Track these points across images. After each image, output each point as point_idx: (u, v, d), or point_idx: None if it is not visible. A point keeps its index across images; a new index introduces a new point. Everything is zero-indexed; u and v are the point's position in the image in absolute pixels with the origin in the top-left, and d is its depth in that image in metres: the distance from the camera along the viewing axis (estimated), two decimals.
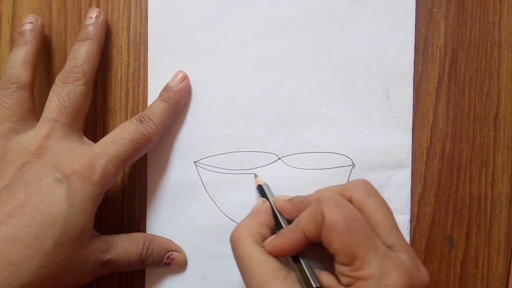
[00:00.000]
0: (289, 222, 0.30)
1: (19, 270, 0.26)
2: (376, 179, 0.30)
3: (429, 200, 0.35)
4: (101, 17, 0.34)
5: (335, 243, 0.25)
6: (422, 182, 0.35)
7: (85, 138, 0.33)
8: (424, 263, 0.34)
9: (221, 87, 0.35)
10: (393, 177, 0.34)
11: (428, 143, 0.35)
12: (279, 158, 0.34)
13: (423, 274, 0.26)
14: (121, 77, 0.35)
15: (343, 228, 0.25)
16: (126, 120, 0.34)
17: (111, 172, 0.29)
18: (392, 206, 0.28)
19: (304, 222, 0.26)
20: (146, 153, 0.34)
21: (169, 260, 0.33)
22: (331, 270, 0.27)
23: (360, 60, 0.34)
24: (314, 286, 0.25)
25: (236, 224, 0.34)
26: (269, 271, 0.26)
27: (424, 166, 0.35)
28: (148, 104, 0.34)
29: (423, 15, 0.35)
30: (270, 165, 0.34)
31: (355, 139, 0.34)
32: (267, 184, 0.33)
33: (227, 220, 0.34)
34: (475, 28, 0.35)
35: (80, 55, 0.32)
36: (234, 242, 0.28)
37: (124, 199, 0.35)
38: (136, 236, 0.32)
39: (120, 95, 0.35)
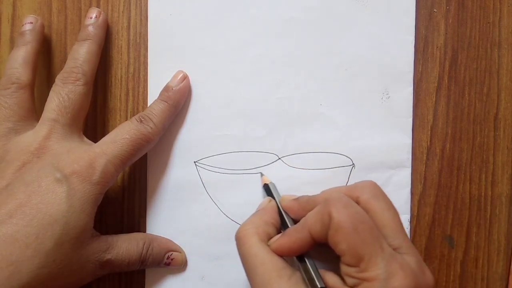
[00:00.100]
0: (295, 221, 0.30)
1: (19, 270, 0.26)
2: (376, 179, 0.30)
3: (429, 200, 0.35)
4: (101, 17, 0.34)
5: (341, 244, 0.25)
6: (422, 182, 0.35)
7: (85, 138, 0.33)
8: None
9: (221, 87, 0.35)
10: (393, 177, 0.34)
11: (428, 143, 0.35)
12: (279, 158, 0.34)
13: (428, 277, 0.26)
14: (121, 77, 0.35)
15: (350, 229, 0.25)
16: (126, 120, 0.34)
17: (111, 172, 0.29)
18: None
19: (311, 222, 0.26)
20: (146, 153, 0.34)
21: (169, 260, 0.33)
22: (336, 271, 0.27)
23: (360, 60, 0.34)
24: (319, 286, 0.25)
25: (236, 224, 0.34)
26: (274, 269, 0.26)
27: (424, 166, 0.35)
28: (148, 104, 0.34)
29: (423, 15, 0.35)
30: (270, 165, 0.34)
31: (355, 139, 0.34)
32: (273, 183, 0.33)
33: (227, 220, 0.34)
34: (475, 28, 0.35)
35: (80, 55, 0.32)
36: (239, 240, 0.28)
37: (124, 199, 0.35)
38: (136, 236, 0.32)
39: (120, 95, 0.35)
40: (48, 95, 0.32)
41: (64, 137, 0.31)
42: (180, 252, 0.34)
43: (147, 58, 0.35)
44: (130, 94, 0.35)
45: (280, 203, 0.31)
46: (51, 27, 0.36)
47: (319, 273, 0.26)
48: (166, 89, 0.33)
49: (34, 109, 0.32)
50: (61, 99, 0.31)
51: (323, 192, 0.29)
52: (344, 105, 0.34)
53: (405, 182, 0.34)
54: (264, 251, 0.27)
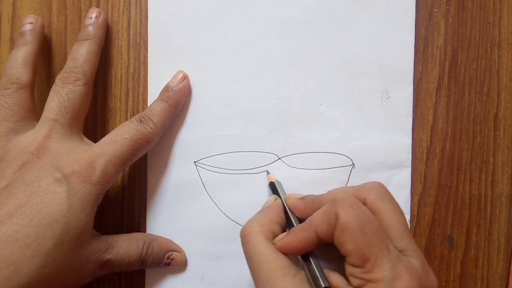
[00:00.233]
0: (300, 220, 0.30)
1: (19, 270, 0.26)
2: (376, 179, 0.30)
3: (429, 200, 0.35)
4: (101, 17, 0.34)
5: (347, 244, 0.25)
6: (422, 182, 0.35)
7: (85, 138, 0.33)
8: None
9: (221, 87, 0.35)
10: (393, 177, 0.34)
11: (428, 143, 0.35)
12: (279, 158, 0.34)
13: (433, 280, 0.26)
14: (121, 77, 0.35)
15: (357, 230, 0.25)
16: (126, 120, 0.34)
17: (111, 172, 0.29)
18: None
19: (317, 222, 0.26)
20: (146, 153, 0.34)
21: (169, 260, 0.33)
22: (339, 271, 0.27)
23: (360, 60, 0.34)
24: (323, 285, 0.25)
25: (236, 224, 0.34)
26: (279, 268, 0.26)
27: (424, 166, 0.35)
28: (148, 104, 0.34)
29: (423, 15, 0.35)
30: (270, 165, 0.34)
31: (355, 139, 0.34)
32: (279, 182, 0.33)
33: (227, 220, 0.34)
34: (475, 28, 0.35)
35: (80, 55, 0.32)
36: (244, 237, 0.28)
37: (124, 199, 0.35)
38: (136, 236, 0.32)
39: (120, 95, 0.35)
40: (48, 95, 0.32)
41: (64, 137, 0.31)
42: (180, 252, 0.34)
43: (147, 58, 0.35)
44: (130, 94, 0.35)
45: (285, 201, 0.31)
46: (51, 27, 0.36)
47: (323, 273, 0.26)
48: (166, 89, 0.33)
49: (34, 109, 0.32)
50: (61, 99, 0.31)
51: (329, 192, 0.29)
52: (344, 105, 0.34)
53: (405, 182, 0.34)
54: (269, 249, 0.27)
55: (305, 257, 0.27)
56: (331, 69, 0.34)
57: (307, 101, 0.34)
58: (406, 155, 0.34)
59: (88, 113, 0.34)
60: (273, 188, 0.33)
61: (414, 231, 0.34)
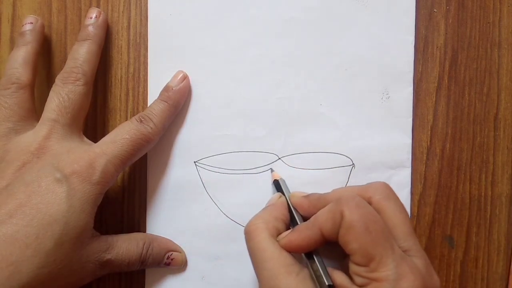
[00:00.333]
0: (304, 219, 0.30)
1: (19, 270, 0.26)
2: (376, 179, 0.30)
3: (429, 200, 0.35)
4: (101, 17, 0.34)
5: (352, 243, 0.25)
6: (422, 182, 0.35)
7: (85, 138, 0.33)
8: None
9: (221, 87, 0.35)
10: (393, 177, 0.34)
11: (428, 143, 0.35)
12: (279, 158, 0.34)
13: (436, 280, 0.26)
14: (121, 77, 0.35)
15: (362, 229, 0.25)
16: (126, 120, 0.34)
17: (111, 172, 0.29)
18: None
19: (322, 220, 0.26)
20: (146, 153, 0.34)
21: (169, 260, 0.33)
22: (342, 270, 0.27)
23: (360, 60, 0.34)
24: (327, 283, 0.25)
25: (236, 224, 0.34)
26: (282, 265, 0.26)
27: (424, 166, 0.35)
28: (148, 104, 0.34)
29: (423, 15, 0.35)
30: (270, 165, 0.34)
31: (355, 139, 0.34)
32: (283, 179, 0.33)
33: (227, 220, 0.34)
34: (475, 28, 0.35)
35: (80, 55, 0.32)
36: (248, 234, 0.28)
37: (124, 199, 0.35)
38: (136, 236, 0.32)
39: (120, 95, 0.35)
40: (48, 95, 0.32)
41: (64, 137, 0.31)
42: (180, 252, 0.34)
43: (147, 58, 0.35)
44: (130, 94, 0.35)
45: (290, 199, 0.31)
46: (51, 27, 0.36)
47: (327, 271, 0.26)
48: (166, 89, 0.33)
49: (34, 109, 0.32)
50: (61, 99, 0.31)
51: (334, 190, 0.29)
52: (344, 105, 0.34)
53: (405, 182, 0.34)
54: (273, 247, 0.27)
55: (309, 255, 0.27)
56: (331, 69, 0.34)
57: (307, 101, 0.34)
58: (406, 155, 0.34)
59: (88, 113, 0.34)
60: (277, 185, 0.33)
61: (414, 231, 0.34)
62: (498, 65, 0.35)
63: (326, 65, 0.34)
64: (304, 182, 0.34)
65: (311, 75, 0.34)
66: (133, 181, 0.35)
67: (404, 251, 0.26)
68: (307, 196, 0.30)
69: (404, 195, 0.34)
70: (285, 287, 0.25)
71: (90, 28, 0.33)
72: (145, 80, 0.35)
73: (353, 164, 0.34)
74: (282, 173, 0.34)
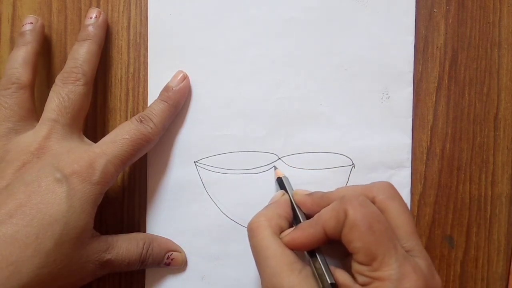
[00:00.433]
0: (307, 216, 0.30)
1: (19, 270, 0.26)
2: (376, 179, 0.30)
3: (429, 200, 0.35)
4: (101, 17, 0.34)
5: (355, 242, 0.25)
6: (422, 182, 0.35)
7: (85, 138, 0.33)
8: None
9: (221, 87, 0.35)
10: (393, 177, 0.34)
11: (428, 143, 0.35)
12: (279, 158, 0.34)
13: (438, 281, 0.26)
14: (121, 77, 0.35)
15: (365, 228, 0.25)
16: (126, 120, 0.34)
17: (111, 172, 0.29)
18: None
19: (325, 218, 0.26)
20: (146, 153, 0.34)
21: (169, 260, 0.33)
22: (344, 268, 0.27)
23: (360, 60, 0.34)
24: (329, 281, 0.25)
25: (236, 224, 0.34)
26: (285, 263, 0.26)
27: (424, 166, 0.35)
28: (148, 104, 0.34)
29: (423, 15, 0.35)
30: (270, 165, 0.34)
31: (355, 139, 0.34)
32: (286, 177, 0.33)
33: (227, 220, 0.34)
34: (475, 28, 0.35)
35: (80, 55, 0.32)
36: (252, 231, 0.28)
37: (124, 199, 0.35)
38: (136, 236, 0.32)
39: (120, 95, 0.35)
40: (48, 95, 0.32)
41: (64, 137, 0.31)
42: (180, 252, 0.34)
43: (147, 58, 0.35)
44: (130, 94, 0.35)
45: (293, 197, 0.31)
46: (51, 27, 0.36)
47: (329, 269, 0.26)
48: (166, 89, 0.33)
49: (34, 109, 0.32)
50: (61, 99, 0.31)
51: (337, 189, 0.29)
52: (344, 105, 0.34)
53: (405, 182, 0.34)
54: (276, 244, 0.27)
55: (312, 253, 0.27)
56: (331, 69, 0.34)
57: (307, 101, 0.34)
58: (406, 155, 0.34)
59: (88, 113, 0.34)
60: (281, 183, 0.33)
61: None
62: (498, 65, 0.35)
63: (326, 65, 0.34)
64: (304, 182, 0.34)
65: (311, 75, 0.34)
66: (133, 181, 0.35)
67: (407, 251, 0.26)
68: (311, 194, 0.30)
69: (404, 195, 0.34)
70: (288, 284, 0.25)
71: (90, 28, 0.33)
72: (145, 80, 0.35)
73: (353, 164, 0.34)
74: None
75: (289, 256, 0.27)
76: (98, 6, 0.35)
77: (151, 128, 0.31)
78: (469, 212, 0.34)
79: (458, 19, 0.35)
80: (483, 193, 0.34)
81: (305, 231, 0.27)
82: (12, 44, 0.36)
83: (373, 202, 0.27)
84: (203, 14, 0.35)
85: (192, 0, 0.35)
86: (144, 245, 0.32)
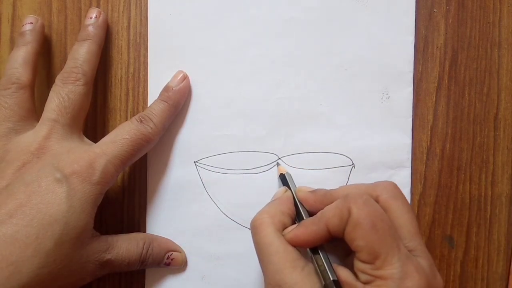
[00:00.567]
0: (310, 213, 0.30)
1: (19, 270, 0.26)
2: (376, 179, 0.30)
3: (429, 200, 0.35)
4: (101, 17, 0.34)
5: (358, 240, 0.25)
6: (422, 182, 0.35)
7: (85, 138, 0.33)
8: None
9: (221, 87, 0.35)
10: (393, 177, 0.34)
11: (428, 143, 0.35)
12: (279, 158, 0.34)
13: (439, 281, 0.26)
14: (121, 77, 0.35)
15: (369, 226, 0.25)
16: (126, 120, 0.34)
17: (111, 172, 0.29)
18: None
19: (329, 216, 0.26)
20: (146, 153, 0.34)
21: (169, 260, 0.33)
22: (347, 266, 0.27)
23: (360, 60, 0.34)
24: (332, 279, 0.25)
25: (236, 224, 0.34)
26: (288, 260, 0.26)
27: (424, 166, 0.35)
28: (148, 104, 0.34)
29: (423, 15, 0.35)
30: (270, 165, 0.34)
31: (355, 139, 0.34)
32: (289, 173, 0.33)
33: (227, 220, 0.34)
34: (475, 28, 0.35)
35: (80, 55, 0.32)
36: (255, 228, 0.28)
37: (124, 199, 0.35)
38: (136, 236, 0.32)
39: (120, 95, 0.35)
40: (48, 95, 0.32)
41: (64, 137, 0.31)
42: (180, 252, 0.34)
43: (147, 58, 0.35)
44: (130, 94, 0.35)
45: (296, 194, 0.31)
46: (51, 27, 0.36)
47: (332, 266, 0.26)
48: (166, 89, 0.33)
49: (34, 109, 0.32)
50: (61, 99, 0.31)
51: (341, 187, 0.29)
52: (344, 105, 0.34)
53: (405, 182, 0.34)
54: (279, 241, 0.27)
55: (314, 250, 0.27)
56: (331, 69, 0.34)
57: (307, 101, 0.34)
58: (406, 155, 0.34)
59: (88, 113, 0.34)
60: (283, 179, 0.33)
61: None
62: (498, 65, 0.35)
63: (326, 65, 0.34)
64: (304, 182, 0.34)
65: (311, 75, 0.34)
66: (133, 181, 0.35)
67: (409, 251, 0.26)
68: (314, 191, 0.30)
69: (404, 195, 0.34)
70: (290, 281, 0.25)
71: (90, 28, 0.33)
72: (145, 80, 0.35)
73: (353, 164, 0.34)
74: None
75: (292, 253, 0.27)
76: (98, 6, 0.35)
77: (151, 128, 0.31)
78: (469, 212, 0.34)
79: (458, 19, 0.35)
80: (483, 193, 0.34)
81: (308, 228, 0.27)
82: (12, 44, 0.36)
83: (377, 201, 0.27)
84: (203, 14, 0.35)
85: (192, 0, 0.35)
86: (144, 245, 0.32)
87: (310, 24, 0.34)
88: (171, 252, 0.33)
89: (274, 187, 0.34)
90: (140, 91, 0.35)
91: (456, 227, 0.35)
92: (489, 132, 0.35)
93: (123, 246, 0.31)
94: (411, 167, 0.34)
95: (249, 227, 0.33)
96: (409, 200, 0.34)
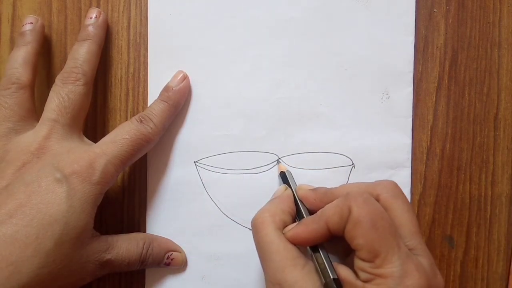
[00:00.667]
0: (310, 211, 0.30)
1: (19, 270, 0.26)
2: (376, 179, 0.30)
3: (429, 200, 0.35)
4: (101, 17, 0.34)
5: (358, 238, 0.25)
6: (422, 182, 0.35)
7: (85, 138, 0.33)
8: None
9: (221, 87, 0.35)
10: (393, 177, 0.34)
11: (428, 143, 0.35)
12: (279, 158, 0.34)
13: (440, 280, 0.26)
14: (121, 77, 0.35)
15: (369, 225, 0.25)
16: (126, 120, 0.34)
17: (111, 172, 0.29)
18: None
19: (329, 214, 0.26)
20: (146, 153, 0.34)
21: (169, 260, 0.33)
22: (347, 265, 0.27)
23: (360, 60, 0.34)
24: (332, 277, 0.25)
25: (236, 224, 0.34)
26: (289, 258, 0.26)
27: (424, 166, 0.35)
28: (148, 104, 0.34)
29: (423, 15, 0.35)
30: (270, 165, 0.34)
31: (355, 139, 0.34)
32: (289, 171, 0.33)
33: (227, 220, 0.34)
34: (475, 28, 0.35)
35: (80, 55, 0.32)
36: (256, 227, 0.28)
37: (124, 199, 0.35)
38: (136, 236, 0.32)
39: (120, 95, 0.35)
40: (48, 95, 0.32)
41: (64, 137, 0.31)
42: (180, 252, 0.34)
43: (147, 58, 0.35)
44: (130, 94, 0.35)
45: (296, 192, 0.31)
46: (51, 27, 0.36)
47: (332, 265, 0.26)
48: (166, 89, 0.33)
49: (34, 109, 0.32)
50: (61, 99, 0.31)
51: (342, 186, 0.29)
52: (344, 105, 0.34)
53: (405, 182, 0.34)
54: (279, 240, 0.27)
55: (315, 248, 0.27)
56: (331, 69, 0.34)
57: (307, 101, 0.34)
58: (406, 155, 0.34)
59: (88, 113, 0.34)
60: (284, 177, 0.33)
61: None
62: (498, 65, 0.35)
63: (326, 65, 0.34)
64: (304, 182, 0.34)
65: (311, 75, 0.34)
66: (133, 181, 0.35)
67: (410, 250, 0.26)
68: (314, 190, 0.30)
69: (405, 194, 0.34)
70: (291, 279, 0.25)
71: (90, 28, 0.33)
72: (145, 80, 0.35)
73: (353, 164, 0.34)
74: None
75: (292, 251, 0.27)
76: (98, 6, 0.35)
77: (151, 128, 0.31)
78: (469, 212, 0.34)
79: (458, 19, 0.35)
80: (483, 193, 0.34)
81: (308, 227, 0.27)
82: (12, 44, 0.36)
83: (377, 200, 0.27)
84: (203, 14, 0.35)
85: (192, 0, 0.35)
86: (144, 245, 0.32)
87: (310, 24, 0.34)
88: (171, 252, 0.33)
89: (274, 187, 0.34)
90: (140, 91, 0.35)
91: (456, 227, 0.35)
92: (489, 132, 0.35)
93: (123, 246, 0.31)
94: (411, 167, 0.34)
95: (249, 227, 0.34)
96: (409, 200, 0.34)
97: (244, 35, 0.35)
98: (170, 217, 0.34)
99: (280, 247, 0.27)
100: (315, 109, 0.34)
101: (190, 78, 0.34)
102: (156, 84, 0.34)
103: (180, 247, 0.34)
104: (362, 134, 0.34)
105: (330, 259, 0.27)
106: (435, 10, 0.35)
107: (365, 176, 0.34)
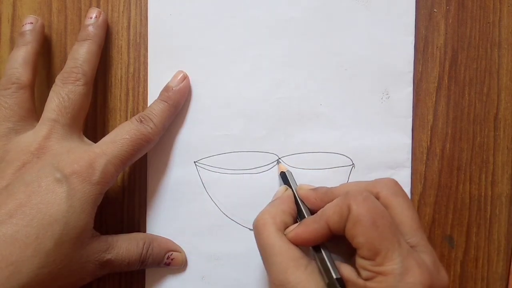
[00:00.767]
0: (311, 211, 0.30)
1: (19, 270, 0.26)
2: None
3: (429, 200, 0.35)
4: (101, 17, 0.34)
5: (359, 237, 0.25)
6: (422, 182, 0.35)
7: (85, 138, 0.33)
8: None
9: (221, 87, 0.35)
10: (393, 177, 0.34)
11: (428, 143, 0.35)
12: (279, 158, 0.34)
13: (443, 276, 0.26)
14: (121, 77, 0.35)
15: (369, 223, 0.25)
16: (126, 120, 0.34)
17: (111, 172, 0.29)
18: None
19: (329, 213, 0.27)
20: (146, 153, 0.34)
21: (169, 260, 0.33)
22: (349, 263, 0.27)
23: (360, 60, 0.34)
24: (335, 276, 0.25)
25: (236, 223, 0.34)
26: (291, 259, 0.26)
27: (424, 166, 0.35)
28: (148, 104, 0.34)
29: (423, 15, 0.35)
30: (270, 165, 0.34)
31: (355, 139, 0.34)
32: (290, 171, 0.33)
33: (227, 220, 0.34)
34: (475, 28, 0.35)
35: (80, 55, 0.32)
36: (257, 229, 0.28)
37: (124, 199, 0.35)
38: (136, 236, 0.32)
39: (120, 95, 0.35)
40: (48, 95, 0.32)
41: (64, 137, 0.31)
42: (180, 252, 0.34)
43: (147, 58, 0.35)
44: (130, 94, 0.35)
45: (297, 192, 0.31)
46: (51, 27, 0.36)
47: (334, 264, 0.26)
48: (166, 89, 0.33)
49: (34, 109, 0.32)
50: (61, 99, 0.31)
51: (342, 185, 0.30)
52: (344, 105, 0.34)
53: (405, 182, 0.34)
54: (281, 241, 0.27)
55: (317, 248, 0.27)
56: (331, 69, 0.34)
57: (307, 101, 0.34)
58: (406, 155, 0.34)
59: (88, 113, 0.34)
60: (284, 177, 0.33)
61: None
62: (498, 65, 0.35)
63: (326, 65, 0.34)
64: (304, 182, 0.34)
65: (311, 75, 0.34)
66: (133, 181, 0.35)
67: (412, 247, 0.26)
68: (315, 189, 0.30)
69: (405, 192, 0.34)
70: (294, 280, 0.25)
71: (90, 28, 0.33)
72: (145, 80, 0.35)
73: (353, 164, 0.34)
74: None
75: (295, 252, 0.27)
76: (98, 6, 0.35)
77: (151, 128, 0.31)
78: (469, 212, 0.34)
79: (458, 19, 0.35)
80: (483, 193, 0.34)
81: (309, 227, 0.27)
82: (12, 44, 0.36)
83: (377, 198, 0.27)
84: (203, 14, 0.35)
85: (192, 0, 0.35)
86: (144, 245, 0.32)
87: (310, 24, 0.34)
88: (171, 252, 0.33)
89: (274, 187, 0.34)
90: (140, 91, 0.35)
91: (456, 227, 0.35)
92: (489, 132, 0.35)
93: (123, 246, 0.31)
94: (411, 167, 0.34)
95: (249, 227, 0.34)
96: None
97: (244, 35, 0.35)
98: (170, 217, 0.34)
99: (282, 249, 0.27)
100: (315, 109, 0.34)
101: (190, 78, 0.34)
102: (156, 84, 0.34)
103: (180, 247, 0.34)
104: (362, 134, 0.34)
105: (334, 259, 0.27)
106: (435, 10, 0.35)
107: (365, 176, 0.34)
